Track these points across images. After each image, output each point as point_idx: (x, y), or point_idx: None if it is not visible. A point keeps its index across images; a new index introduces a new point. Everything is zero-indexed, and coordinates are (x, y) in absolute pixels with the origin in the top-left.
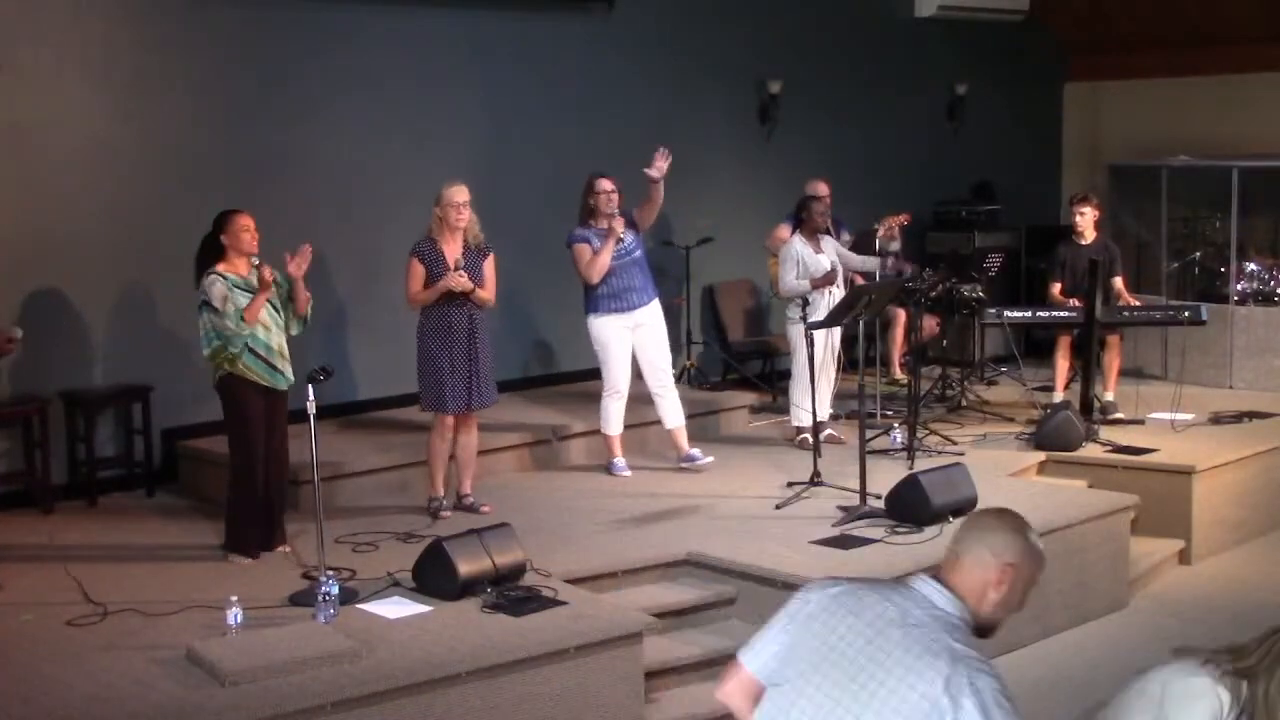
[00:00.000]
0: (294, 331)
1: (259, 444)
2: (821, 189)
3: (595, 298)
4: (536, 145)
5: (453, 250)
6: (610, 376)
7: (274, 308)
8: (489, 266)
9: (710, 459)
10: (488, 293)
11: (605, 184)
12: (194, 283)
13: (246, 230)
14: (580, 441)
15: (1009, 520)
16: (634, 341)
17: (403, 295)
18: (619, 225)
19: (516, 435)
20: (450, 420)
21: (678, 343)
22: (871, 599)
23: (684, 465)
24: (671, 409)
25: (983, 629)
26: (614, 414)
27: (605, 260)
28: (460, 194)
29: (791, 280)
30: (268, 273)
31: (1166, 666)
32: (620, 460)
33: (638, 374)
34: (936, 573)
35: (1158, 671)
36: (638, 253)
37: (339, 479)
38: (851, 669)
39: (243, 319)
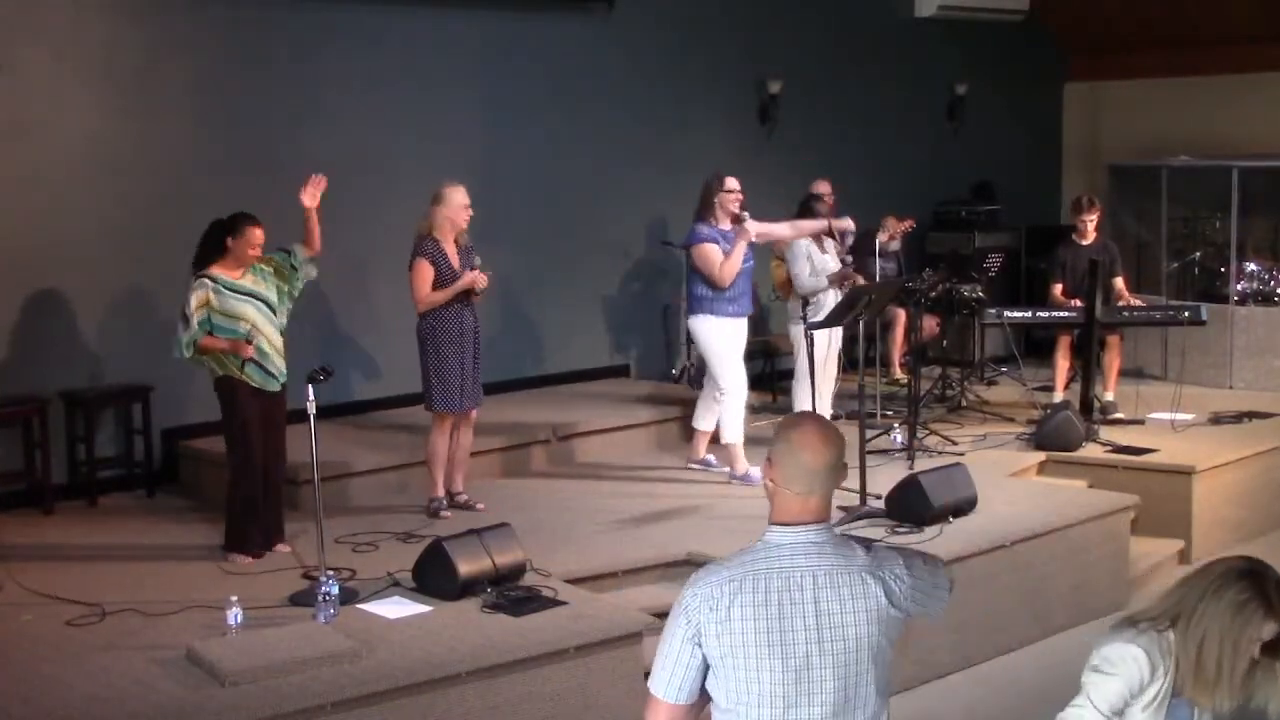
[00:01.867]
0: (312, 273)
1: (256, 444)
2: (823, 188)
3: (715, 300)
4: (536, 145)
5: (451, 250)
6: (727, 378)
7: (270, 308)
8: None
9: (725, 469)
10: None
11: (733, 182)
12: (193, 260)
13: (255, 246)
14: (580, 442)
15: (830, 429)
16: None
17: (401, 295)
18: (753, 228)
19: (516, 435)
20: (451, 420)
21: (677, 343)
22: (776, 580)
23: (693, 465)
24: (714, 414)
25: None
26: (738, 417)
27: (737, 263)
28: (466, 196)
29: (807, 277)
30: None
31: (1099, 645)
32: (753, 470)
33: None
34: (783, 518)
35: (1093, 651)
36: (750, 262)
37: (340, 479)
38: (812, 649)
39: (192, 345)
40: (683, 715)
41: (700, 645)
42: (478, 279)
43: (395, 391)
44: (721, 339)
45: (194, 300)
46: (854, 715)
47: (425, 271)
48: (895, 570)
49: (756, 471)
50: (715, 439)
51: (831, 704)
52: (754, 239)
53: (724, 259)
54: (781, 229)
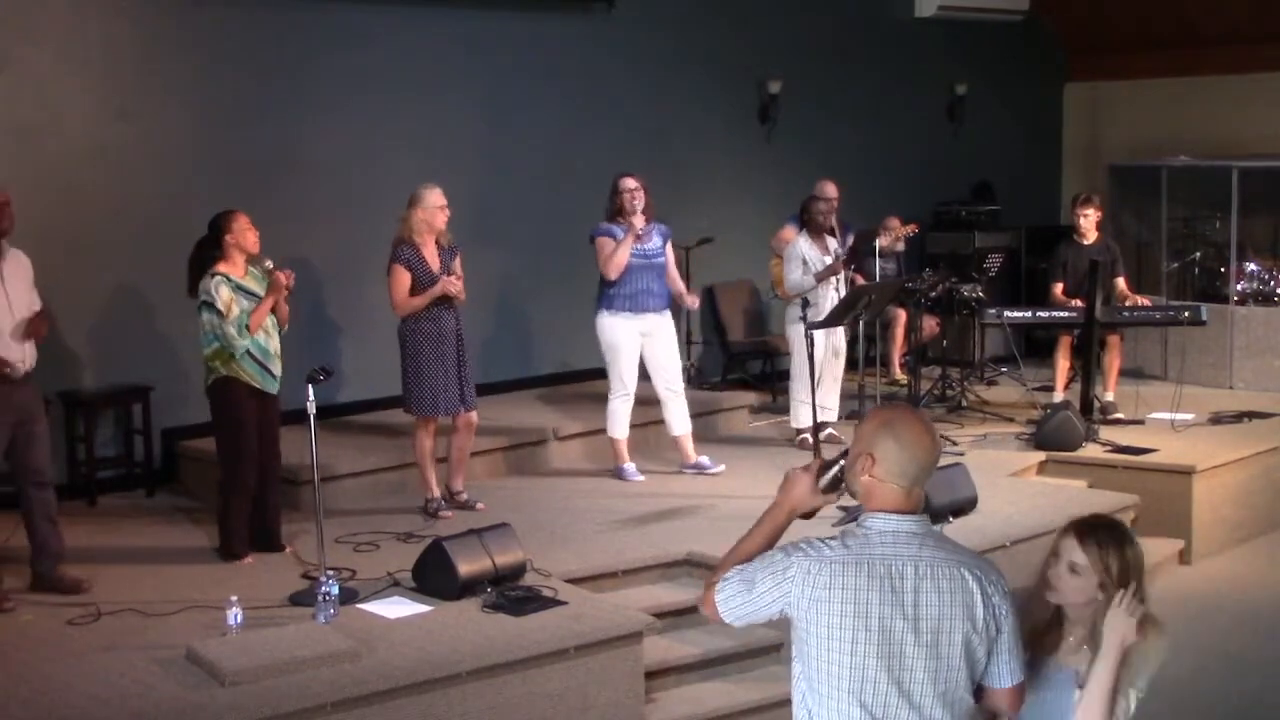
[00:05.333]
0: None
1: (251, 445)
2: (829, 190)
3: (609, 295)
4: (536, 145)
5: (430, 252)
6: (619, 377)
7: (271, 310)
8: (459, 265)
9: (722, 467)
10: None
11: (629, 182)
12: (187, 285)
13: (251, 229)
14: (580, 442)
15: (923, 415)
16: (644, 346)
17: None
18: (639, 223)
19: (515, 435)
20: (434, 423)
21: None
22: (878, 567)
23: (689, 472)
24: (679, 414)
25: None
26: (622, 416)
27: (623, 257)
28: (441, 197)
29: (796, 277)
30: (282, 277)
31: None
32: (630, 465)
33: (644, 376)
34: (883, 507)
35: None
36: (660, 259)
37: (337, 479)
38: (906, 637)
39: (246, 328)
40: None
41: (785, 607)
42: (447, 286)
43: (389, 393)
44: (615, 334)
45: (221, 295)
46: (945, 711)
47: (400, 277)
48: (991, 576)
49: (632, 467)
50: (730, 437)
51: (921, 696)
52: (640, 231)
53: (611, 251)
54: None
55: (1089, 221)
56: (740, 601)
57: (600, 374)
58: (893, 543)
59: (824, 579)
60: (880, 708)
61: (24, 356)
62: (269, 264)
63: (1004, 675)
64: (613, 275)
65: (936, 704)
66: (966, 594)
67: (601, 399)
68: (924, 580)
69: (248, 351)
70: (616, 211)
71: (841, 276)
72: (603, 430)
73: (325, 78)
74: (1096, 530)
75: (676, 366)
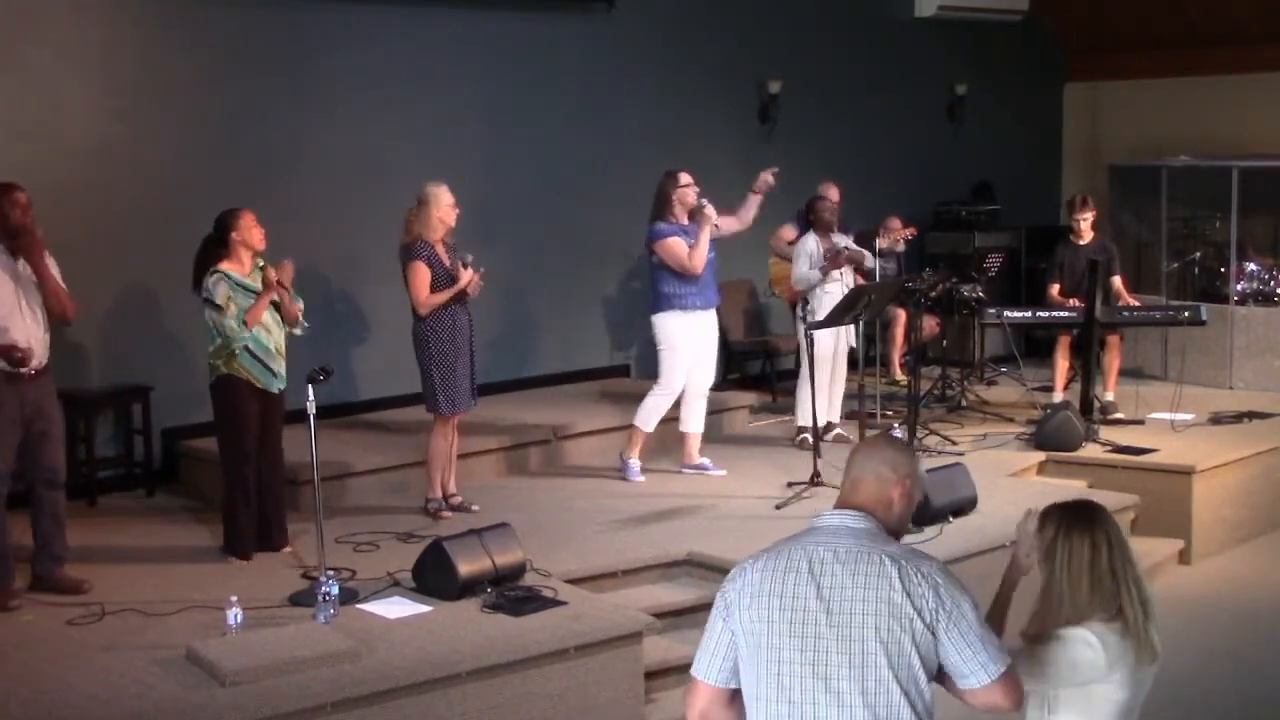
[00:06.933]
0: (296, 333)
1: (251, 445)
2: (832, 194)
3: (681, 295)
4: (536, 145)
5: (441, 250)
6: (672, 376)
7: (274, 306)
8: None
9: (723, 472)
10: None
11: (687, 177)
12: (192, 283)
13: (257, 226)
14: (580, 442)
15: (898, 442)
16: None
17: (396, 296)
18: (713, 212)
19: (516, 435)
20: (453, 421)
21: None
22: (798, 552)
23: (687, 470)
24: (699, 413)
25: (893, 536)
26: (658, 413)
27: (704, 248)
28: (450, 194)
29: (803, 270)
30: (272, 274)
31: None
32: (636, 463)
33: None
34: (839, 504)
35: None
36: (712, 254)
37: (339, 479)
38: (819, 617)
39: (244, 322)
40: (720, 700)
41: (730, 621)
42: (473, 281)
43: (390, 393)
44: (682, 333)
45: (219, 292)
46: (871, 707)
47: (422, 274)
48: (922, 568)
49: (636, 466)
50: (715, 437)
51: (841, 686)
52: (716, 223)
53: (691, 248)
54: (729, 220)
55: (1087, 223)
56: (704, 652)
57: (598, 374)
58: (820, 534)
59: (755, 574)
60: (799, 690)
61: (37, 348)
62: (260, 262)
63: (973, 673)
64: (700, 268)
65: (866, 695)
66: (883, 578)
67: (601, 398)
68: (838, 565)
69: (247, 348)
70: (668, 208)
71: (846, 270)
72: (603, 430)
73: (326, 77)
74: (1050, 506)
75: (714, 365)
